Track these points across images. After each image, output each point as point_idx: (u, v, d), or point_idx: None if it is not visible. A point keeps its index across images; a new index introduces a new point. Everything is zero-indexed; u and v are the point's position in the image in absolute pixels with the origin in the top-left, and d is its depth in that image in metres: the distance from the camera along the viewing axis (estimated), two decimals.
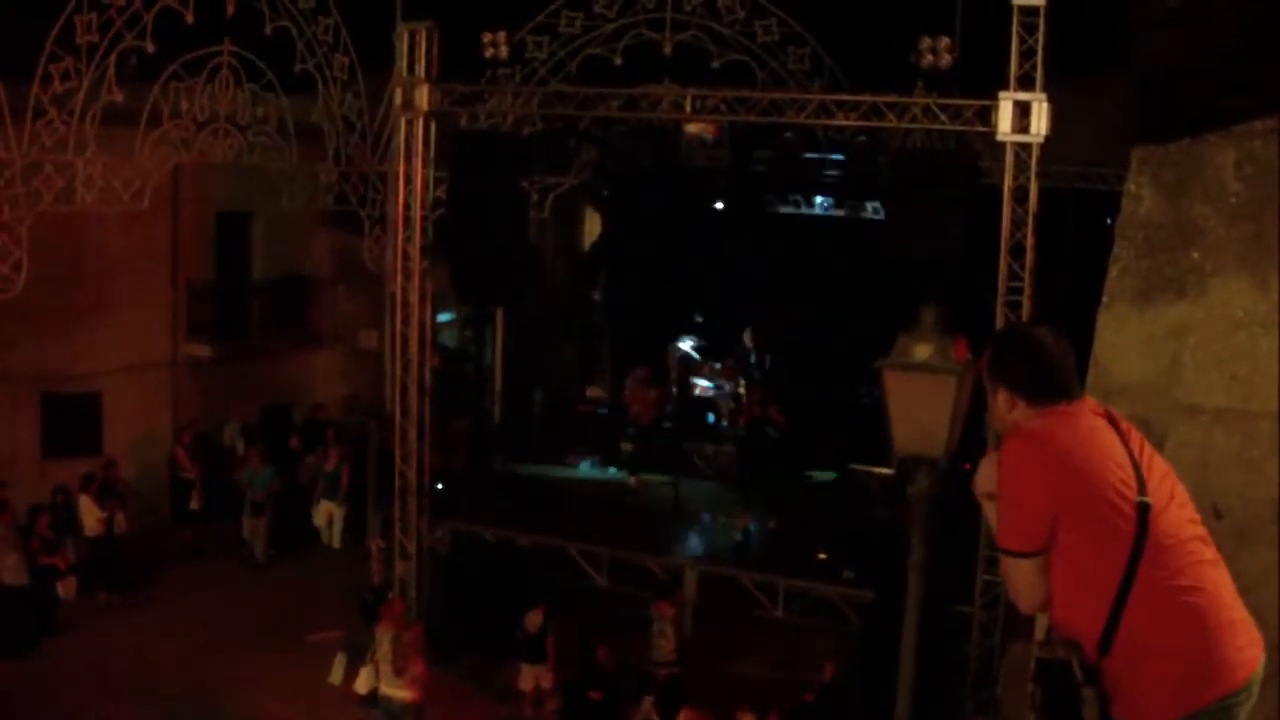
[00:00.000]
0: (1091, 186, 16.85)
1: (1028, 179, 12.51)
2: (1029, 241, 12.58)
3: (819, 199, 20.35)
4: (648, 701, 13.11)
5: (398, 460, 15.14)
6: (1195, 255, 4.53)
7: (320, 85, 16.51)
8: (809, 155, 18.74)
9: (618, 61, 15.61)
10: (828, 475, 20.17)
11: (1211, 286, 4.50)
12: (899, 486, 12.63)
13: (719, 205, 21.19)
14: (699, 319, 21.87)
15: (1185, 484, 3.41)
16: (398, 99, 14.97)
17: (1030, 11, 12.27)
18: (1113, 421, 3.42)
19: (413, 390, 15.05)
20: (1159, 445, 3.79)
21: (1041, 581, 3.33)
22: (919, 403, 7.21)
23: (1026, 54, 12.31)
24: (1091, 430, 3.36)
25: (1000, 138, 12.60)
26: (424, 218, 15.00)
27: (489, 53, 15.06)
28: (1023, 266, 12.62)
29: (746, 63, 15.34)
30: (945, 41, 13.31)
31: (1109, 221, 5.15)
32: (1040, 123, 12.35)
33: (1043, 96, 12.33)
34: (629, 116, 15.18)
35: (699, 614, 15.44)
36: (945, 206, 12.53)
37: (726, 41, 15.34)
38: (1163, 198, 4.62)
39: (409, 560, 15.08)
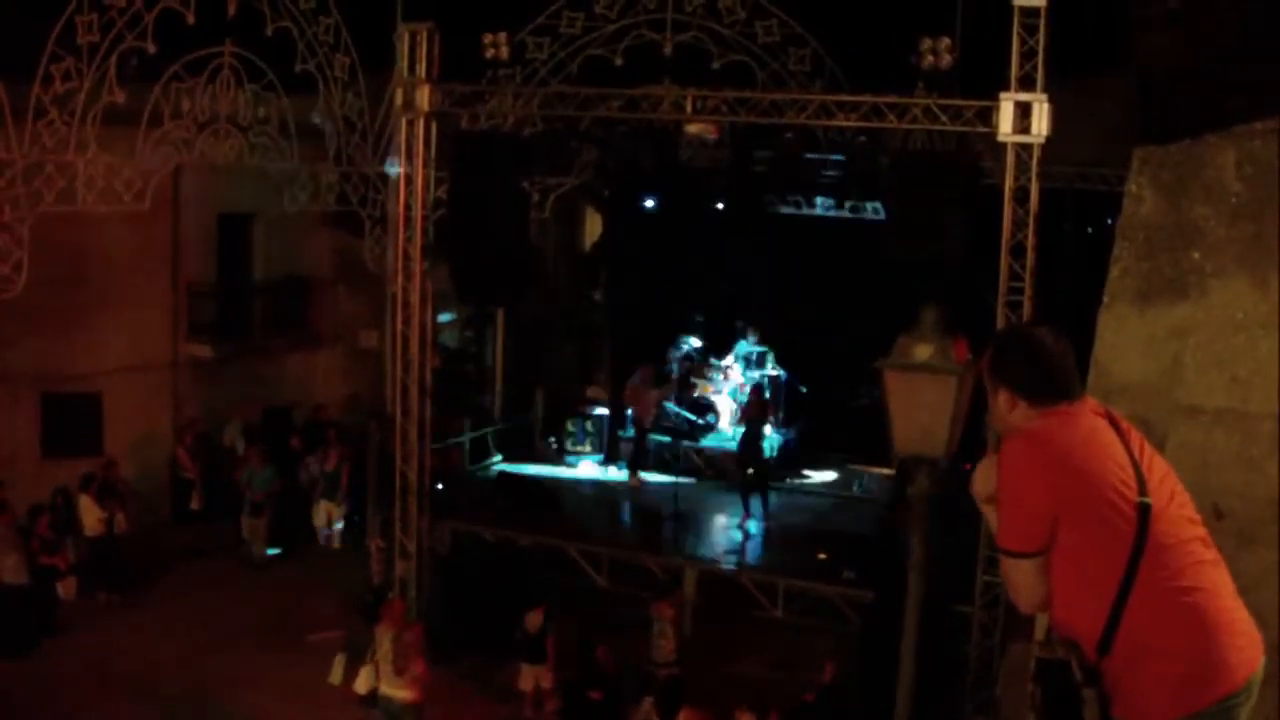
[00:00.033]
0: (1092, 187, 16.87)
1: (1028, 179, 12.52)
2: (1029, 242, 12.59)
3: (820, 199, 20.35)
4: (647, 702, 13.12)
5: (398, 460, 15.15)
6: (1196, 256, 4.54)
7: (321, 86, 16.52)
8: (810, 155, 18.71)
9: (618, 62, 15.62)
10: (828, 475, 20.21)
11: (1212, 287, 4.50)
12: (899, 487, 12.66)
13: (719, 205, 21.18)
14: (699, 319, 21.86)
15: (1185, 484, 3.41)
16: (398, 99, 14.98)
17: (1031, 12, 12.28)
18: (1113, 422, 3.42)
19: (413, 390, 15.06)
20: (1159, 446, 3.79)
21: (1041, 582, 3.33)
22: (919, 403, 7.21)
23: (1027, 55, 12.32)
24: (1092, 430, 3.36)
25: (1001, 138, 12.62)
26: (424, 218, 15.01)
27: (489, 53, 15.07)
28: (1023, 267, 12.63)
29: (747, 63, 15.35)
30: (946, 42, 13.32)
31: (1109, 222, 5.15)
32: (1041, 123, 12.36)
33: (1043, 97, 12.34)
34: (629, 117, 15.19)
35: (699, 614, 15.45)
36: (946, 207, 12.55)
37: (727, 42, 15.35)
38: (1163, 198, 4.63)
39: (409, 560, 15.09)
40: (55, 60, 13.29)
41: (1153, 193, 4.64)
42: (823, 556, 16.24)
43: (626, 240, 22.40)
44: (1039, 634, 3.74)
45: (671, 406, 20.87)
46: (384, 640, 12.49)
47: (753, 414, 19.20)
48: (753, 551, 17.61)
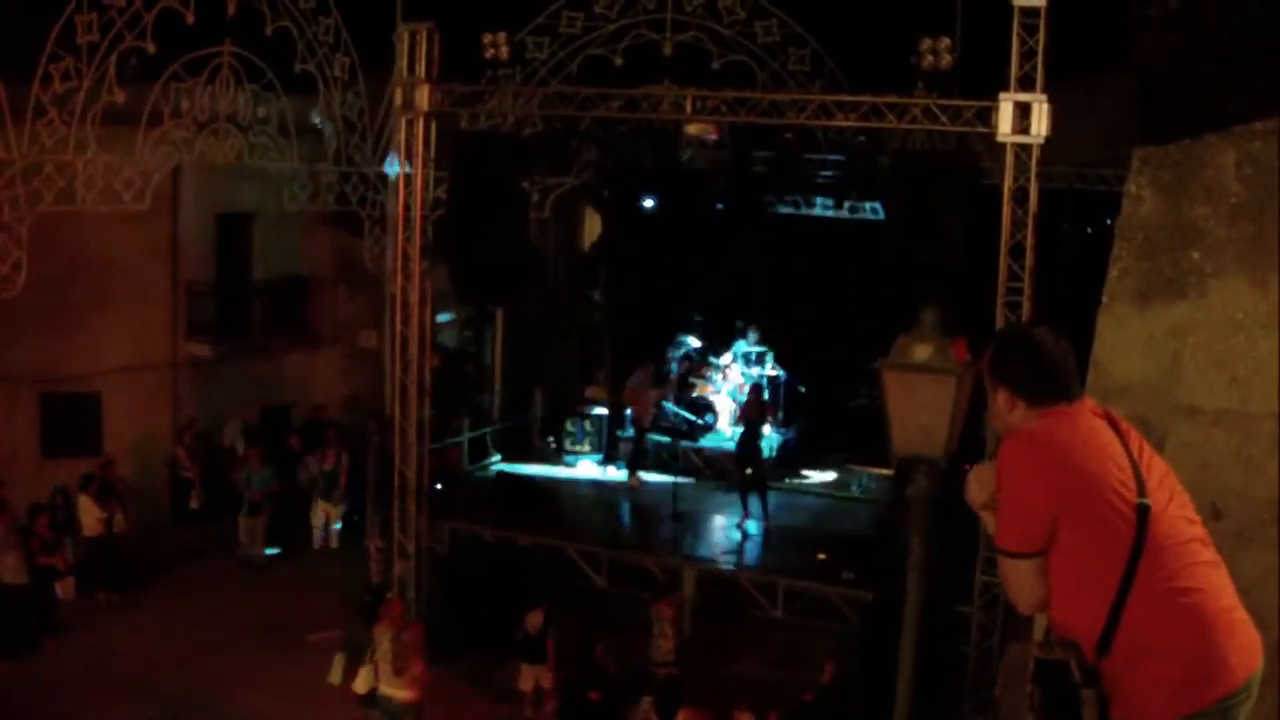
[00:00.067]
0: (1091, 187, 16.87)
1: (1028, 180, 12.52)
2: (1029, 242, 12.59)
3: (819, 199, 20.36)
4: (646, 702, 13.12)
5: (397, 460, 15.14)
6: (1195, 256, 4.54)
7: (321, 85, 16.51)
8: (810, 156, 18.72)
9: (618, 62, 15.62)
10: (827, 475, 20.21)
11: (1211, 287, 4.50)
12: (898, 487, 12.65)
13: (719, 205, 21.19)
14: (699, 319, 21.87)
15: (1185, 485, 3.41)
16: (398, 99, 14.97)
17: (1030, 12, 12.27)
18: (1112, 422, 3.42)
19: (412, 390, 15.05)
20: (1159, 446, 3.79)
21: (1040, 582, 3.33)
22: (918, 403, 7.21)
23: (1027, 55, 12.32)
24: (1091, 431, 3.36)
25: (1000, 138, 12.61)
26: (424, 218, 15.00)
27: (489, 53, 15.06)
28: (1022, 267, 12.62)
29: (747, 63, 15.35)
30: (945, 42, 13.31)
31: (1109, 222, 5.16)
32: (1040, 124, 12.36)
33: (1043, 97, 12.33)
34: (629, 117, 15.18)
35: (698, 614, 15.45)
36: (945, 207, 12.54)
37: (727, 42, 15.35)
38: (1163, 198, 4.63)
39: (408, 560, 15.08)
40: (55, 60, 13.28)
41: (1152, 193, 4.64)
42: (822, 556, 16.24)
43: (626, 240, 22.41)
44: (1038, 634, 3.74)
45: (670, 406, 20.86)
46: (383, 640, 12.48)
47: (751, 414, 19.20)
48: (752, 551, 17.61)
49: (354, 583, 16.43)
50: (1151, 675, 3.20)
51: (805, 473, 20.24)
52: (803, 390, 20.93)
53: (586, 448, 21.09)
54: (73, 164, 13.79)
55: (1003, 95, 12.44)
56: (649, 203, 21.83)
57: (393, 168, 16.14)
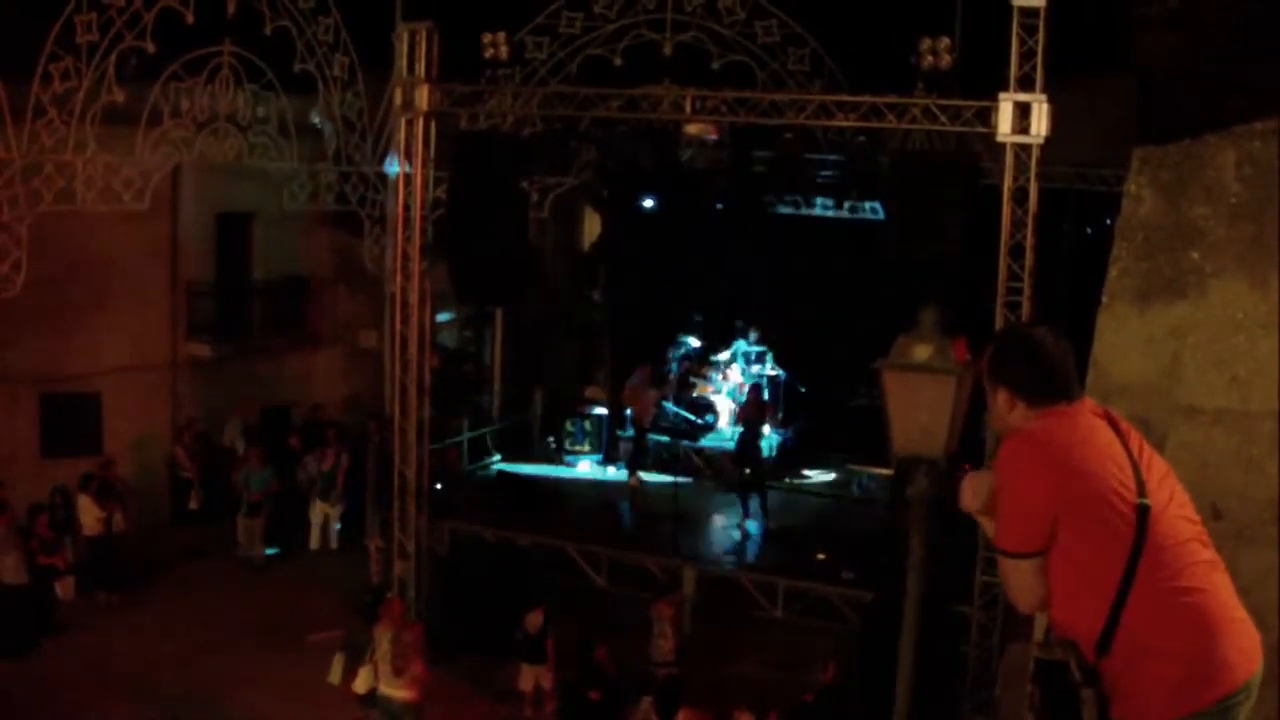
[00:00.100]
0: (1091, 187, 16.87)
1: (1027, 180, 12.51)
2: (1028, 242, 12.59)
3: (819, 199, 20.36)
4: (646, 702, 13.12)
5: (396, 460, 15.14)
6: (1195, 256, 4.54)
7: (320, 85, 16.51)
8: (810, 156, 18.73)
9: (618, 62, 15.61)
10: (827, 475, 20.21)
11: (1211, 287, 4.50)
12: (898, 487, 12.65)
13: (719, 205, 21.19)
14: (699, 319, 21.88)
15: (1185, 484, 3.41)
16: (397, 99, 14.97)
17: (1030, 12, 12.27)
18: (1112, 422, 3.42)
19: (412, 390, 15.05)
20: (1159, 446, 3.79)
21: (1040, 582, 3.33)
22: (918, 403, 7.21)
23: (1026, 55, 12.31)
24: (1091, 431, 3.36)
25: (1000, 139, 12.61)
26: (423, 218, 15.00)
27: (489, 53, 15.05)
28: (1022, 267, 12.62)
29: (747, 63, 15.34)
30: (945, 42, 13.30)
31: (1109, 222, 5.15)
32: (1040, 124, 12.36)
33: (1042, 98, 12.33)
34: (629, 117, 15.17)
35: (698, 614, 15.45)
36: (945, 207, 12.54)
37: (727, 42, 15.34)
38: (1162, 198, 4.63)
39: (408, 560, 15.08)
40: (54, 59, 13.28)
41: (1152, 193, 4.64)
42: (822, 556, 16.24)
43: (626, 240, 22.42)
44: (1038, 634, 3.74)
45: (670, 406, 20.87)
46: (383, 640, 12.48)
47: (751, 414, 19.20)
48: (752, 551, 17.62)
49: (354, 583, 16.42)
50: (1151, 675, 3.20)
51: (805, 472, 20.25)
52: (803, 390, 20.93)
53: (586, 448, 21.09)
54: (72, 164, 13.78)
55: (1002, 95, 12.44)
56: (649, 203, 21.83)
57: (392, 167, 16.14)
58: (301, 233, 19.92)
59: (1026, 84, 12.35)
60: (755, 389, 20.23)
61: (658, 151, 19.89)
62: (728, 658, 14.90)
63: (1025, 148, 12.50)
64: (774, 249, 20.52)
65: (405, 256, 14.99)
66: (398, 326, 15.14)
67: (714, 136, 20.03)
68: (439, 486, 16.71)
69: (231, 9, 14.93)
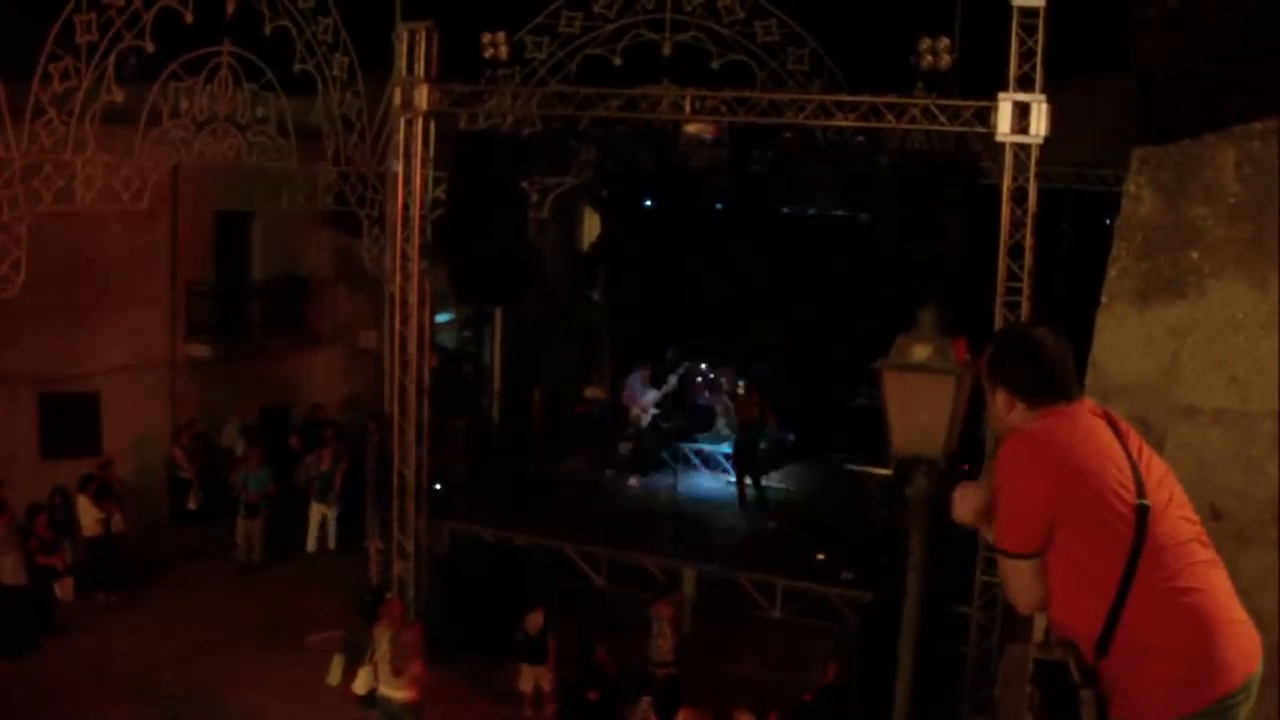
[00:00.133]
0: (1091, 187, 16.87)
1: (1027, 180, 12.51)
2: (1028, 242, 12.58)
3: (819, 199, 20.38)
4: (645, 702, 13.11)
5: (395, 460, 15.13)
6: (1194, 256, 4.53)
7: (320, 85, 16.50)
8: (810, 155, 18.73)
9: (617, 62, 15.60)
10: (827, 476, 20.18)
11: (1211, 287, 4.50)
12: (897, 487, 12.65)
13: (719, 205, 21.20)
14: (698, 319, 21.87)
15: (1184, 485, 3.41)
16: (397, 99, 14.96)
17: (1030, 12, 12.26)
18: (1111, 422, 3.42)
19: (411, 390, 15.04)
20: (1158, 446, 3.79)
21: (1039, 582, 3.33)
22: (918, 403, 7.21)
23: (1026, 55, 12.31)
24: (1090, 431, 3.36)
25: (999, 138, 12.60)
26: (423, 218, 14.99)
27: (488, 53, 15.06)
28: (1021, 267, 12.62)
29: (746, 63, 15.33)
30: (945, 42, 13.30)
31: (1109, 222, 5.15)
32: (1039, 123, 12.35)
33: (1042, 97, 12.33)
34: (629, 117, 15.16)
35: (697, 614, 15.44)
36: (944, 207, 12.53)
37: (726, 42, 15.33)
38: (1162, 198, 4.63)
39: (407, 560, 15.08)
40: (53, 59, 13.25)
41: (1151, 193, 4.64)
42: (821, 556, 16.23)
43: (625, 240, 22.43)
44: (1037, 635, 3.74)
45: (670, 407, 20.86)
46: (382, 640, 12.48)
47: (750, 414, 19.20)
48: (751, 551, 17.60)
49: (353, 583, 16.42)
50: (1151, 675, 3.20)
51: (804, 473, 20.23)
52: (803, 391, 20.88)
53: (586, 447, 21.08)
54: (72, 163, 13.76)
55: (1002, 95, 12.43)
56: (648, 202, 21.82)
57: (392, 167, 16.12)
58: (300, 233, 19.92)
59: (1026, 84, 12.34)
60: (754, 389, 20.23)
61: (657, 151, 19.89)
62: (727, 658, 14.89)
63: (1024, 148, 12.49)
64: (774, 249, 20.52)
65: (404, 256, 14.99)
66: (397, 326, 15.13)
67: (713, 136, 20.03)
68: (438, 487, 16.69)
69: (231, 9, 14.91)
